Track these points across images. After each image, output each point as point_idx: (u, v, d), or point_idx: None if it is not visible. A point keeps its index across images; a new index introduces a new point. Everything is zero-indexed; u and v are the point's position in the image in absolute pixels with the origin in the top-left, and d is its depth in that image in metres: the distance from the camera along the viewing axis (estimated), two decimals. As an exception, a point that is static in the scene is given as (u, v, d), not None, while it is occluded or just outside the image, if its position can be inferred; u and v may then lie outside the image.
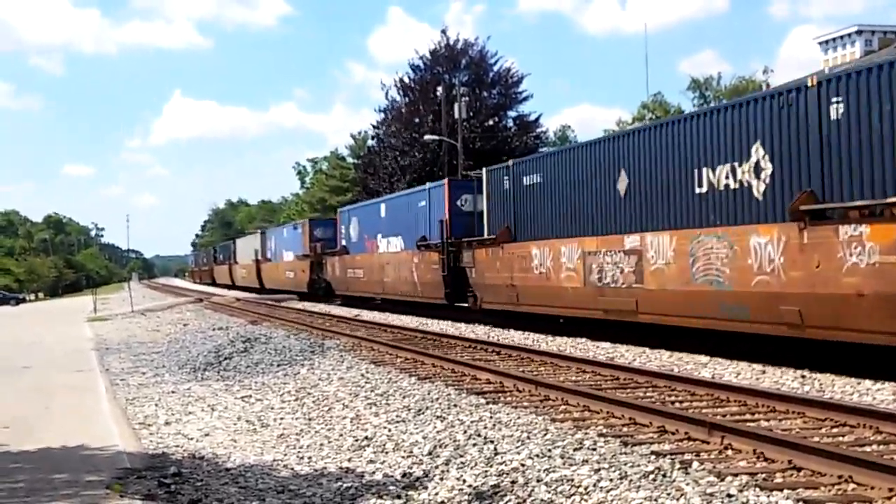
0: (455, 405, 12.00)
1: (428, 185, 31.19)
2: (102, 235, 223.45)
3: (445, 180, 29.88)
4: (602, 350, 18.42)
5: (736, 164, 15.98)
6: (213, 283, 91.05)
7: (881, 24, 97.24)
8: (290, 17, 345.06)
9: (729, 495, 7.19)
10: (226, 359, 20.16)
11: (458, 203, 28.54)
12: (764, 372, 14.35)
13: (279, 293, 52.81)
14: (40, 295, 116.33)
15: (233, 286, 74.35)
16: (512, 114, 59.41)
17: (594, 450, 8.89)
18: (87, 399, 14.69)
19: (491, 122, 57.65)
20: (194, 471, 9.65)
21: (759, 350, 15.81)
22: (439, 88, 54.51)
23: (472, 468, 8.86)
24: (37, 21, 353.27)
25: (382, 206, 36.59)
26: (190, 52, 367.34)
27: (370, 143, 68.37)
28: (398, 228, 33.84)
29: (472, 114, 54.17)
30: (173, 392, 16.08)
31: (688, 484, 7.50)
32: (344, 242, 41.91)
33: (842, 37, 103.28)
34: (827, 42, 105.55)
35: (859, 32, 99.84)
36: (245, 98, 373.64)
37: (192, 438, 11.80)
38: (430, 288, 29.99)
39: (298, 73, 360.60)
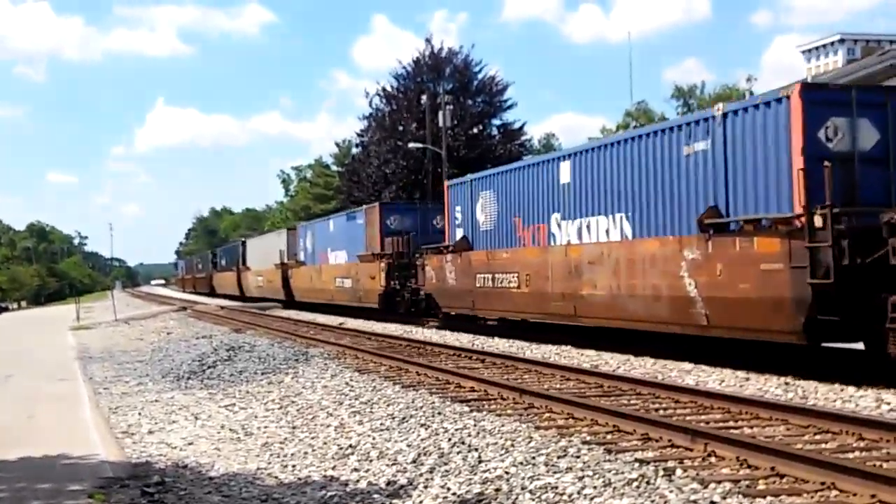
0: (439, 413, 12.00)
1: (720, 106, 16.52)
2: (86, 244, 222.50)
3: (796, 86, 14.91)
4: (586, 358, 18.44)
5: None
6: (212, 293, 77.27)
7: (863, 33, 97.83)
8: (274, 25, 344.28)
9: (712, 502, 7.22)
10: (209, 367, 20.07)
11: (822, 136, 14.38)
12: (748, 379, 14.38)
13: (324, 309, 41.40)
14: (23, 304, 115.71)
15: (241, 297, 60.91)
16: (496, 122, 59.72)
17: (578, 457, 8.91)
18: (70, 408, 14.61)
19: (475, 130, 57.85)
20: (177, 479, 9.63)
21: (744, 357, 15.84)
22: (423, 97, 54.62)
23: (456, 476, 8.86)
24: (20, 29, 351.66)
25: (564, 165, 21.18)
26: (173, 60, 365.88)
27: (354, 151, 68.44)
28: (609, 202, 19.32)
29: (456, 122, 54.28)
30: (156, 401, 16.01)
31: (671, 491, 7.53)
32: (462, 232, 26.84)
33: (825, 45, 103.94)
34: (810, 51, 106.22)
35: (842, 41, 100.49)
36: (229, 106, 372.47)
37: (175, 447, 11.76)
38: (742, 310, 15.29)
39: (282, 82, 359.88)
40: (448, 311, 28.20)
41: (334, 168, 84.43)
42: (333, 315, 37.88)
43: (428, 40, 59.67)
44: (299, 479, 9.65)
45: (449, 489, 8.47)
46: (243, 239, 72.14)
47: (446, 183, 29.05)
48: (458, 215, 27.33)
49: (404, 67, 58.99)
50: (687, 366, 16.21)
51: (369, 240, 35.31)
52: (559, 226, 21.31)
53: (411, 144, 51.73)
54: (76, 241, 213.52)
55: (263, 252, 55.89)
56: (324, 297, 41.39)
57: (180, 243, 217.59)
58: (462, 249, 26.44)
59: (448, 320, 28.30)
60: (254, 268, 58.60)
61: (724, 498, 7.29)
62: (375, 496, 8.63)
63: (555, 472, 8.43)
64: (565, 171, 21.08)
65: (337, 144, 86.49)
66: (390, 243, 33.19)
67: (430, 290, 29.13)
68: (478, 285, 25.07)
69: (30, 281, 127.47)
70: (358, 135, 63.41)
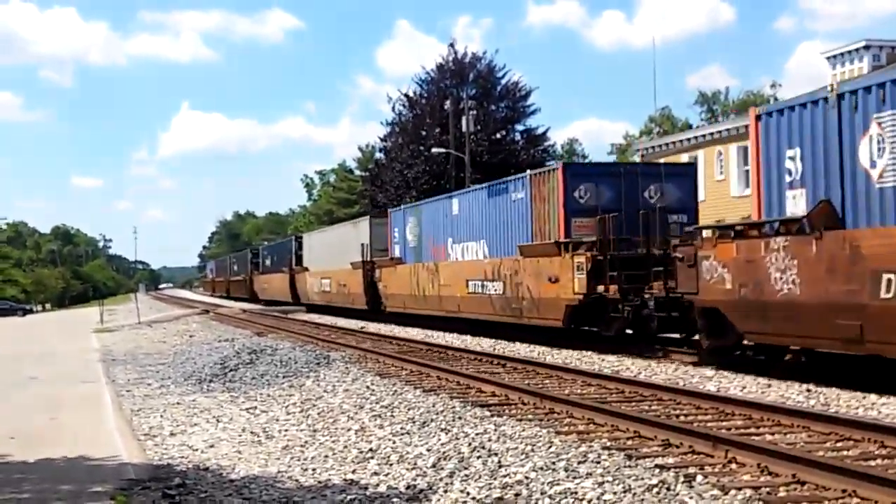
0: (460, 418, 12.00)
1: None
2: (110, 247, 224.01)
3: None
4: (608, 363, 18.40)
5: None
6: (252, 299, 66.85)
7: (889, 39, 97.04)
8: (298, 30, 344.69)
9: (732, 509, 7.19)
10: (231, 370, 20.17)
11: None
12: (769, 386, 14.32)
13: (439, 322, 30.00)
14: (47, 306, 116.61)
15: (296, 303, 50.53)
16: (519, 127, 59.67)
17: (598, 463, 8.90)
18: (93, 410, 14.72)
19: (498, 136, 57.81)
20: (199, 482, 9.67)
21: (765, 364, 15.76)
22: (447, 102, 54.69)
23: (476, 481, 8.86)
24: (46, 34, 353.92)
25: None
26: (198, 65, 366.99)
27: (377, 155, 68.60)
28: None
29: (479, 127, 54.27)
30: (178, 403, 16.09)
31: (691, 497, 7.51)
32: (803, 198, 14.73)
33: (850, 51, 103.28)
34: (835, 57, 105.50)
35: (867, 47, 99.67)
36: (253, 111, 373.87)
37: (196, 450, 11.81)
38: None
39: (306, 86, 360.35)
40: (756, 341, 15.89)
41: (358, 172, 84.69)
42: (458, 333, 27.53)
43: (451, 45, 59.79)
44: (319, 482, 9.68)
45: (469, 494, 8.48)
46: (298, 234, 62.34)
47: (754, 111, 16.49)
48: (792, 166, 15.05)
49: (428, 73, 59.14)
50: (709, 372, 16.14)
51: (540, 222, 23.29)
52: None
53: (434, 149, 51.75)
54: (100, 244, 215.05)
55: (331, 248, 43.94)
56: (443, 307, 29.11)
57: (204, 246, 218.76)
58: (821, 226, 13.85)
59: (716, 354, 16.87)
60: (314, 268, 46.96)
61: (745, 505, 7.27)
62: (395, 500, 8.64)
63: (575, 478, 8.42)
64: None
65: (360, 149, 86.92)
66: (591, 225, 21.27)
67: (715, 301, 16.25)
68: (884, 296, 12.54)
69: (54, 283, 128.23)
70: (381, 140, 63.63)
